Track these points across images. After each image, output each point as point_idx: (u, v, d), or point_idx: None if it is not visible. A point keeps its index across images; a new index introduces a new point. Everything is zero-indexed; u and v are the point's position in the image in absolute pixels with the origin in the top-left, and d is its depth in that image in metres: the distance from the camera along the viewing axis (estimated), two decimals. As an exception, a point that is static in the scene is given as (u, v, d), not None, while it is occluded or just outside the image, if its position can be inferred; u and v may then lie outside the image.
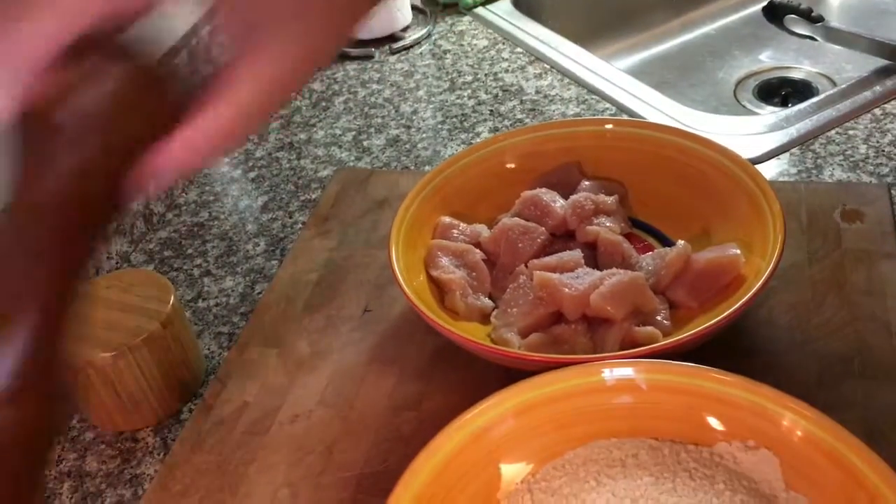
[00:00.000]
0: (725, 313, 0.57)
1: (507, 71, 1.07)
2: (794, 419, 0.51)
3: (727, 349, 0.63)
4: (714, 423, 0.53)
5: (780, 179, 0.84)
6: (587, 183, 0.74)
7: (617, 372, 0.54)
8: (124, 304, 0.71)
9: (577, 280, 0.62)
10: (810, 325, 0.64)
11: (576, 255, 0.66)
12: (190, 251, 0.89)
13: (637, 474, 0.52)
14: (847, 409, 0.59)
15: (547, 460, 0.55)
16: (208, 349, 0.77)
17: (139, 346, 0.68)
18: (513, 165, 0.76)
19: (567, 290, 0.62)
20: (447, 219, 0.72)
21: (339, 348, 0.70)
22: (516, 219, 0.70)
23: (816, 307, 0.66)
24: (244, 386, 0.68)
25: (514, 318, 0.63)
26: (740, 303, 0.58)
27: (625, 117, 0.95)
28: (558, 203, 0.71)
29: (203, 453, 0.63)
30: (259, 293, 0.82)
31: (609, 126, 0.75)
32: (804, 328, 0.64)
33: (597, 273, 0.63)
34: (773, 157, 0.88)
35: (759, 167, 0.86)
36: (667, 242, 0.72)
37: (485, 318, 0.67)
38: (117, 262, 0.88)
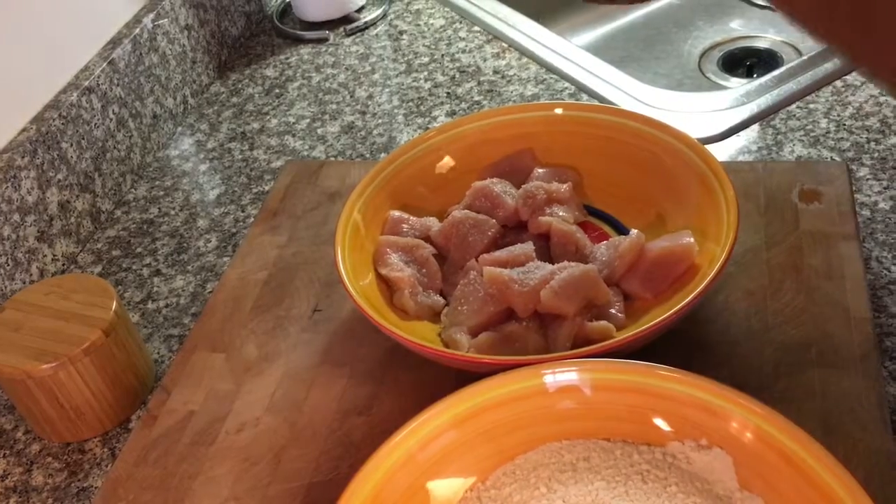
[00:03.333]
0: (678, 306, 0.56)
1: (464, 51, 1.05)
2: (745, 416, 0.49)
3: (682, 340, 0.61)
4: (663, 422, 0.51)
5: (741, 157, 0.82)
6: (540, 171, 0.72)
7: (560, 374, 0.52)
8: (64, 311, 0.68)
9: (528, 275, 0.60)
10: (768, 312, 0.63)
11: (527, 248, 0.64)
12: (139, 250, 0.86)
13: (588, 479, 0.50)
14: (804, 399, 0.57)
15: (497, 465, 0.53)
16: (157, 353, 0.75)
17: (80, 357, 0.65)
18: (464, 154, 0.73)
19: (517, 286, 0.60)
20: (396, 213, 0.70)
21: (288, 350, 0.68)
22: (466, 211, 0.68)
23: (774, 293, 0.64)
24: (190, 394, 0.66)
25: (463, 317, 0.61)
26: (692, 295, 0.56)
27: (583, 97, 0.93)
28: (510, 193, 0.69)
29: (147, 467, 0.61)
30: (210, 292, 0.80)
31: (559, 110, 0.73)
32: (761, 315, 0.63)
33: (548, 267, 0.61)
34: (734, 134, 0.86)
35: (720, 145, 0.84)
36: (622, 230, 0.70)
37: (436, 315, 0.65)
38: (63, 264, 0.85)
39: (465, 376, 0.58)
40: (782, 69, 0.93)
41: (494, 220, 0.67)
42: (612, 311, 0.61)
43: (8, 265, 0.78)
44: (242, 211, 0.88)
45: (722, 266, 0.57)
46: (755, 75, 1.14)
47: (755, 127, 0.86)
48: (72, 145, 0.86)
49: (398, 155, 0.72)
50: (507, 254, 0.64)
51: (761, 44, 1.20)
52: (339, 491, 0.58)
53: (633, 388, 0.51)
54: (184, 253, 0.85)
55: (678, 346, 0.60)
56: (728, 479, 0.49)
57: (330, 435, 0.61)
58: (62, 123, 0.85)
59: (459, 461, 0.52)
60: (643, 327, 0.55)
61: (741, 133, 0.86)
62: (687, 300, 0.56)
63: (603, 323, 0.59)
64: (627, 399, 0.51)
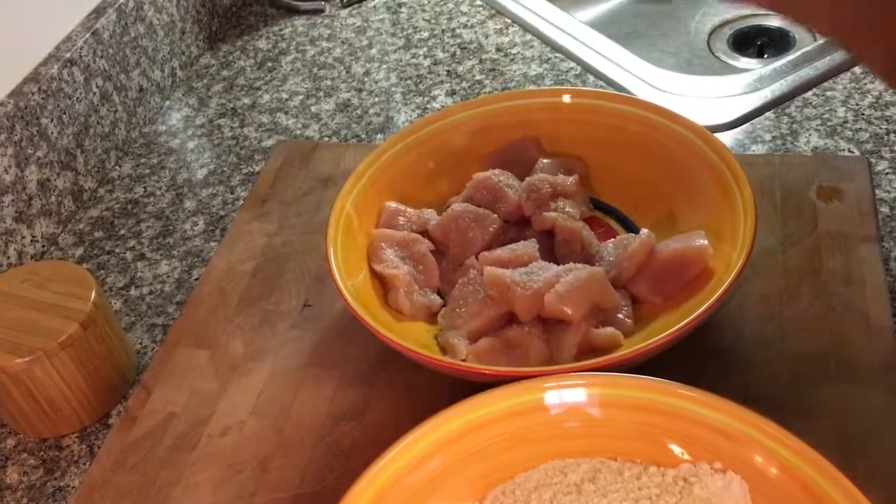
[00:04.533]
0: (693, 315, 0.52)
1: (465, 26, 1.00)
2: (763, 441, 0.46)
3: (691, 347, 0.58)
4: (676, 444, 0.48)
5: (753, 147, 0.78)
6: (545, 161, 0.68)
7: (566, 389, 0.49)
8: (40, 301, 0.65)
9: (531, 277, 0.57)
10: (783, 319, 0.59)
11: (530, 246, 0.60)
12: (123, 232, 0.83)
13: (594, 502, 0.47)
14: (820, 415, 0.54)
15: (495, 483, 0.50)
16: (140, 343, 0.72)
17: (57, 351, 0.62)
18: (464, 141, 0.70)
19: (520, 289, 0.56)
20: (392, 204, 0.66)
21: (276, 349, 0.64)
22: (466, 205, 0.64)
23: (790, 298, 0.61)
24: (171, 393, 0.62)
25: (462, 320, 0.58)
26: (708, 303, 0.53)
27: (589, 78, 0.89)
28: (513, 186, 0.65)
29: (125, 472, 0.58)
30: (196, 279, 0.76)
31: (567, 97, 0.69)
32: (776, 322, 0.59)
33: (553, 268, 0.58)
34: (747, 122, 0.82)
35: (731, 133, 0.80)
36: (630, 226, 0.66)
37: (432, 316, 0.62)
38: (43, 246, 0.81)
39: (462, 380, 0.55)
40: (798, 53, 0.89)
41: (496, 215, 0.64)
42: (620, 316, 0.58)
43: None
44: (231, 192, 0.84)
45: (739, 272, 0.54)
46: (766, 55, 1.09)
47: (769, 114, 0.82)
48: (52, 121, 0.82)
49: (395, 142, 0.68)
50: (510, 252, 0.60)
51: (773, 22, 1.15)
52: (326, 503, 0.55)
53: (646, 406, 0.48)
54: (169, 236, 0.81)
55: (687, 355, 0.57)
56: (742, 506, 0.46)
57: (318, 442, 0.58)
58: (42, 98, 0.81)
59: (454, 479, 0.49)
60: (655, 339, 0.51)
61: (754, 120, 0.82)
62: (702, 309, 0.52)
63: (610, 330, 0.56)
64: (638, 417, 0.48)
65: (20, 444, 0.66)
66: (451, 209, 0.64)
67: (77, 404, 0.65)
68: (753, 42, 1.13)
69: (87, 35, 0.86)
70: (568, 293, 0.55)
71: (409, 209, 0.66)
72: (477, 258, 0.61)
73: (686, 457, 0.48)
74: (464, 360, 0.56)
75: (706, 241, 0.58)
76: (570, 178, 0.65)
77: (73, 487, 0.62)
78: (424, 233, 0.65)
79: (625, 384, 0.49)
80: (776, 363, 0.57)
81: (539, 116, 0.69)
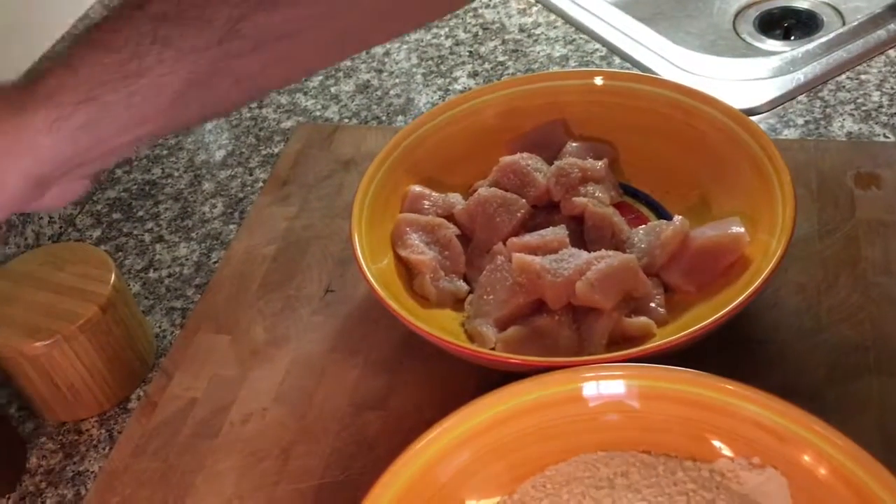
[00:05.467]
0: (729, 306, 0.50)
1: (488, 6, 0.98)
2: (812, 440, 0.44)
3: (726, 338, 0.56)
4: (715, 437, 0.47)
5: (786, 132, 0.76)
6: (573, 145, 0.66)
7: (603, 380, 0.47)
8: (58, 284, 0.64)
9: (562, 264, 0.55)
10: (821, 310, 0.58)
11: (560, 233, 0.59)
12: (141, 213, 0.81)
13: (627, 498, 0.46)
14: (861, 409, 0.53)
15: (526, 476, 0.48)
16: (159, 327, 0.71)
17: (76, 334, 0.61)
18: (491, 124, 0.68)
19: (550, 276, 0.55)
20: (417, 188, 0.64)
21: (298, 335, 0.63)
22: (494, 189, 0.63)
23: (828, 288, 0.59)
24: (192, 379, 0.61)
25: (490, 307, 0.56)
26: (746, 293, 0.51)
27: (615, 60, 0.87)
28: (541, 170, 0.63)
29: (146, 459, 0.57)
30: (216, 262, 0.75)
31: (599, 79, 0.67)
32: (814, 313, 0.58)
33: (583, 255, 0.56)
34: (778, 105, 0.80)
35: (762, 117, 0.78)
36: (661, 212, 0.64)
37: (458, 302, 0.60)
38: (61, 227, 0.80)
39: (488, 368, 0.54)
40: (829, 36, 0.86)
41: (524, 200, 0.62)
42: (652, 304, 0.56)
43: (2, 228, 0.73)
44: (250, 174, 0.83)
45: (779, 261, 0.52)
46: (792, 37, 1.07)
47: (801, 98, 0.80)
48: (69, 100, 0.80)
49: (420, 124, 0.66)
50: (539, 239, 0.58)
51: (801, 4, 1.13)
52: (351, 494, 0.54)
53: (685, 398, 0.46)
54: (188, 218, 0.80)
55: (721, 346, 0.55)
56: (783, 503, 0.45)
57: (342, 430, 0.57)
58: (59, 77, 0.79)
59: (482, 472, 0.47)
60: (691, 330, 0.50)
61: (786, 104, 0.80)
62: (740, 299, 0.51)
63: (642, 319, 0.54)
64: (678, 411, 0.47)
65: (39, 427, 0.65)
66: (477, 193, 0.63)
67: (96, 388, 0.64)
68: (780, 24, 1.11)
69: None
70: (600, 281, 0.54)
71: (434, 193, 0.65)
72: (504, 244, 0.60)
73: (725, 452, 0.46)
74: (492, 349, 0.55)
75: (742, 229, 0.57)
76: (600, 163, 0.64)
77: (92, 472, 0.61)
78: (450, 217, 0.64)
79: (667, 377, 0.47)
80: (814, 355, 0.56)
81: (568, 99, 0.67)
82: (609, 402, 0.47)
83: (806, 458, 0.44)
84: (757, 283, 0.51)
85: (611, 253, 0.56)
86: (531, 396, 0.48)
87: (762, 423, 0.45)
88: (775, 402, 0.45)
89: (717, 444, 0.47)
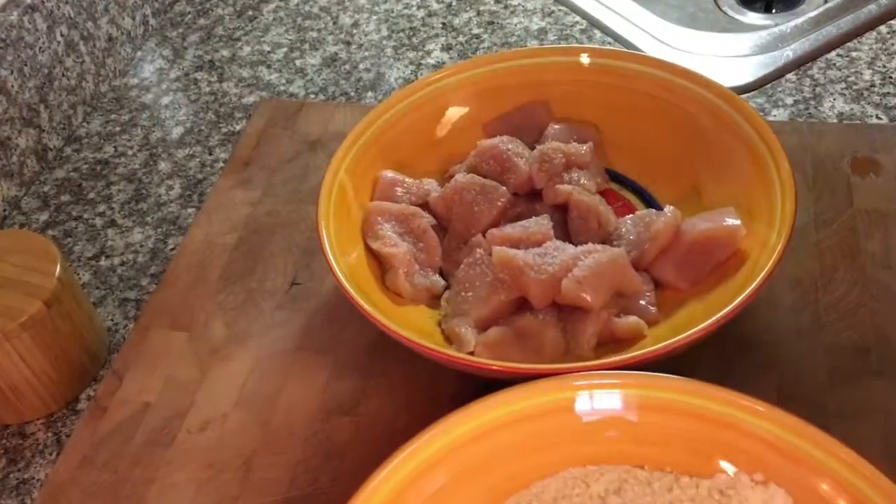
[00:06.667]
0: (730, 306, 0.47)
1: (461, -26, 0.93)
2: (811, 452, 0.41)
3: (718, 340, 0.52)
4: (715, 451, 0.43)
5: (775, 111, 0.73)
6: (556, 127, 0.62)
7: (599, 389, 0.43)
8: (-2, 277, 0.58)
9: (546, 259, 0.51)
10: (819, 307, 0.54)
11: (544, 224, 0.55)
12: (91, 195, 0.76)
13: (620, 518, 0.42)
14: (864, 416, 0.49)
15: (510, 492, 0.45)
16: (111, 320, 0.66)
17: (17, 332, 0.56)
18: (468, 105, 0.63)
19: (533, 273, 0.50)
20: (389, 173, 0.60)
21: (261, 332, 0.58)
22: (472, 175, 0.58)
23: (826, 283, 0.56)
24: (145, 381, 0.56)
25: (468, 306, 0.52)
26: (747, 291, 0.47)
27: (596, 34, 0.82)
28: (522, 156, 0.59)
29: (94, 470, 0.52)
30: (172, 249, 0.70)
31: (585, 57, 0.62)
32: (812, 310, 0.54)
33: (569, 250, 0.52)
34: (766, 84, 0.76)
35: (749, 96, 0.75)
36: (648, 200, 0.60)
37: (434, 298, 0.56)
38: (4, 210, 0.75)
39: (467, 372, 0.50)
40: (820, 10, 0.83)
41: (504, 188, 0.58)
42: (642, 302, 0.52)
43: (-63, 213, 0.68)
44: (210, 154, 0.78)
45: (780, 257, 0.48)
46: (774, 10, 1.03)
47: (790, 76, 0.77)
48: (12, 73, 0.75)
49: (391, 104, 0.62)
50: (521, 230, 0.54)
51: (782, -24, 1.09)
52: (319, 508, 0.50)
53: (686, 411, 0.43)
54: (142, 201, 0.75)
55: (713, 347, 0.52)
56: (786, 524, 0.41)
57: (310, 438, 0.52)
58: (1, 48, 0.73)
59: (458, 494, 0.43)
60: (688, 333, 0.46)
61: (775, 82, 0.76)
62: (741, 298, 0.47)
63: (633, 319, 0.51)
64: (675, 423, 0.43)
65: (-21, 431, 0.60)
66: (454, 180, 0.58)
67: (42, 389, 0.59)
68: (762, -5, 1.07)
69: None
70: (587, 278, 0.50)
71: (407, 179, 0.60)
72: (484, 235, 0.56)
73: (726, 467, 0.43)
74: (471, 353, 0.51)
75: (738, 221, 0.53)
76: (585, 147, 0.60)
77: (38, 480, 0.57)
78: (424, 206, 0.59)
79: (662, 385, 0.43)
80: (812, 357, 0.52)
81: (550, 77, 0.63)
82: (603, 414, 0.43)
83: (813, 476, 0.41)
84: (758, 281, 0.47)
85: (598, 247, 0.52)
86: (517, 406, 0.44)
87: (766, 438, 0.42)
88: (778, 413, 0.42)
89: (717, 458, 0.43)
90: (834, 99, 0.74)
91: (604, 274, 0.50)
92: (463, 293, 0.53)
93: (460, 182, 0.58)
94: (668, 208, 0.55)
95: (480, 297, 0.52)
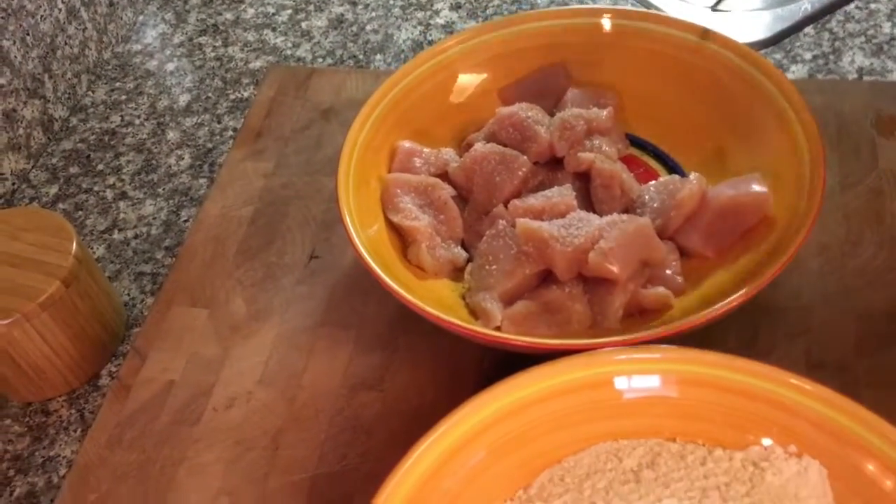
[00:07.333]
0: (762, 277, 0.46)
1: (468, -71, 0.91)
2: (846, 424, 0.41)
3: (746, 307, 0.52)
4: (750, 424, 0.43)
5: (793, 67, 0.71)
6: (575, 91, 0.61)
7: (639, 364, 0.43)
8: (14, 255, 0.58)
9: (571, 230, 0.51)
10: (846, 271, 0.54)
11: (567, 194, 0.54)
12: (101, 167, 0.75)
13: (656, 494, 0.42)
14: (894, 383, 0.49)
15: (542, 468, 0.45)
16: (128, 294, 0.65)
17: (37, 312, 0.56)
18: (485, 71, 0.62)
19: (559, 245, 0.50)
20: (407, 143, 0.59)
21: (282, 307, 0.58)
22: (492, 145, 0.57)
23: (852, 247, 0.55)
24: (168, 359, 0.56)
25: (493, 279, 0.52)
26: (782, 260, 0.47)
27: (610, -9, 0.80)
28: (542, 123, 0.58)
29: (121, 450, 0.52)
30: (186, 221, 0.69)
31: (606, 18, 0.61)
32: (839, 275, 0.54)
33: (593, 220, 0.51)
34: (784, 38, 0.75)
35: (767, 51, 0.73)
36: (671, 165, 0.60)
37: (456, 271, 0.55)
38: (14, 184, 0.74)
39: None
40: (836, -40, 0.80)
41: (525, 157, 0.57)
42: (668, 272, 0.52)
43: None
44: (218, 122, 0.77)
45: (811, 225, 0.48)
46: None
47: (808, 30, 0.75)
48: (14, 43, 0.73)
49: (407, 72, 0.60)
50: (544, 201, 0.53)
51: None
52: (348, 485, 0.50)
53: (722, 385, 0.43)
54: (153, 172, 0.74)
55: (738, 314, 0.51)
56: (822, 495, 0.41)
57: (336, 415, 0.52)
58: (1, 18, 0.72)
59: (489, 472, 0.43)
60: (719, 305, 0.46)
61: (793, 37, 0.75)
62: (775, 267, 0.46)
63: (660, 290, 0.50)
64: (711, 397, 0.43)
65: (3, 408, 0.60)
66: (474, 149, 0.57)
67: (63, 367, 0.59)
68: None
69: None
70: (613, 250, 0.49)
71: (425, 149, 0.59)
72: (506, 206, 0.55)
73: (755, 438, 0.43)
74: (498, 328, 0.50)
75: (765, 188, 0.52)
76: (605, 112, 0.58)
77: (63, 457, 0.57)
78: (444, 176, 0.58)
79: (697, 360, 0.43)
80: (841, 322, 0.52)
81: (569, 40, 0.61)
82: (643, 390, 0.43)
83: (853, 452, 0.40)
84: (792, 249, 0.47)
85: (624, 217, 0.51)
86: (557, 380, 0.43)
87: (796, 408, 0.41)
88: (811, 386, 0.41)
89: (751, 431, 0.43)
90: (853, 53, 0.72)
91: (630, 245, 0.50)
92: (487, 266, 0.52)
93: (480, 151, 0.57)
94: (692, 175, 0.54)
95: (505, 270, 0.51)
